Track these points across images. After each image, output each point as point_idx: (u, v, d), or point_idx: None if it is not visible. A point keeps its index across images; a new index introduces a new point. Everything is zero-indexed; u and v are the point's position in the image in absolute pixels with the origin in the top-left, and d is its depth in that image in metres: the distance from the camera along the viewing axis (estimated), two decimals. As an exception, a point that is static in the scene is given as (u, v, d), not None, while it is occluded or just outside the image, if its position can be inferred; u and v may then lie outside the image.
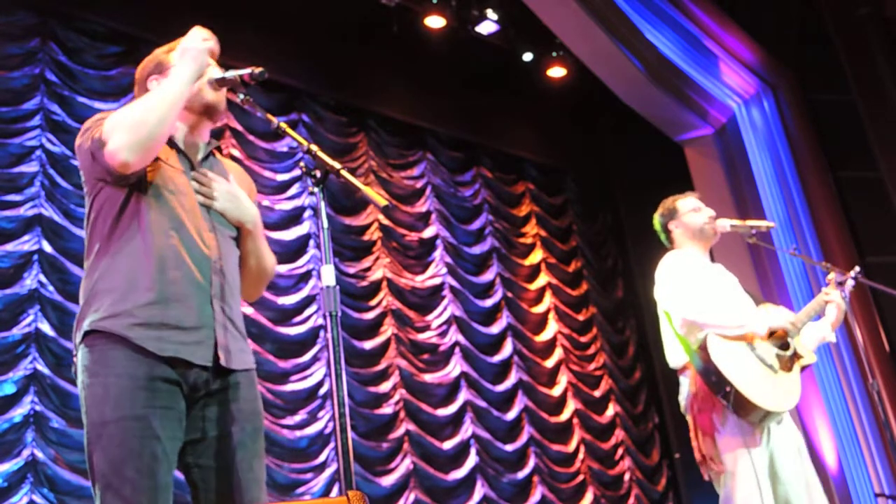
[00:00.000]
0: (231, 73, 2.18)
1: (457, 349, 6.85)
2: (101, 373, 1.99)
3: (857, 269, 3.76)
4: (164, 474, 1.95)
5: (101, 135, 2.06)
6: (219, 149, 2.37)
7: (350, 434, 1.85)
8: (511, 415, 6.95)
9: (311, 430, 5.81)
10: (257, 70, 2.10)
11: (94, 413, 1.98)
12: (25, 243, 5.08)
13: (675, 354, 3.44)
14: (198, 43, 2.18)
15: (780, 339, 3.41)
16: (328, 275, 1.92)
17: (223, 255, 2.14)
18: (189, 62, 2.14)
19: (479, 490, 6.47)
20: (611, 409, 7.60)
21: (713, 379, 3.21)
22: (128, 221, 2.07)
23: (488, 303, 7.26)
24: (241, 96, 2.18)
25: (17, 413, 4.74)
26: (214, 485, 2.04)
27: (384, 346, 6.47)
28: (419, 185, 7.21)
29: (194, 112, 2.23)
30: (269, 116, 2.09)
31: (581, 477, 7.09)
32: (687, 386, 3.40)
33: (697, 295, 3.32)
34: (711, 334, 3.28)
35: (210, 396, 2.07)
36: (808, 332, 3.54)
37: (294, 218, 6.29)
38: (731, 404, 3.18)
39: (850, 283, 3.59)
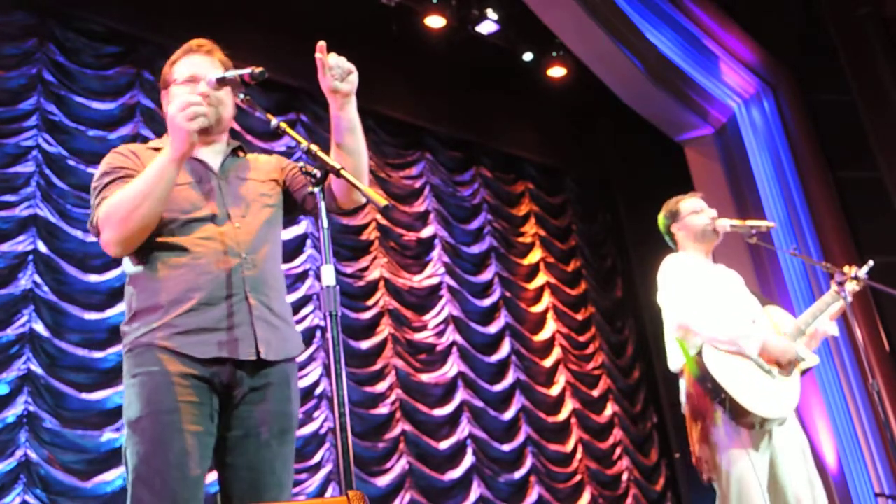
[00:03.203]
0: (231, 73, 2.18)
1: (454, 349, 6.84)
2: (138, 373, 2.08)
3: (871, 263, 3.67)
4: (195, 467, 2.00)
5: (96, 222, 2.15)
6: (241, 148, 2.38)
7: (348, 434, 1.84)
8: (508, 414, 6.93)
9: (307, 430, 5.78)
10: (257, 70, 2.09)
11: (130, 411, 2.07)
12: (20, 243, 5.05)
13: (675, 357, 3.43)
14: (183, 122, 2.03)
15: None
16: (328, 275, 1.91)
17: (253, 248, 2.18)
18: (175, 147, 2.05)
19: (476, 490, 6.45)
20: (609, 409, 7.58)
21: (709, 386, 3.22)
22: (153, 244, 2.14)
23: (486, 302, 7.24)
24: (241, 96, 2.19)
25: (11, 413, 4.72)
26: (237, 484, 2.10)
27: (381, 346, 6.45)
28: (417, 184, 7.19)
29: None
30: (269, 116, 2.08)
31: (579, 477, 7.08)
32: (684, 388, 3.40)
33: (694, 301, 3.31)
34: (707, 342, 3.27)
35: (244, 396, 2.11)
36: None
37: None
38: (728, 411, 3.18)
39: (852, 284, 3.54)
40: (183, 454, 1.99)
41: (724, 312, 3.31)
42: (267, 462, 2.10)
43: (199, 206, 2.18)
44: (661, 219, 3.65)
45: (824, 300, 3.50)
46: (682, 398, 3.41)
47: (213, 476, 2.16)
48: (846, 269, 3.60)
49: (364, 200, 2.25)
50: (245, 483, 2.09)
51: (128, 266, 2.21)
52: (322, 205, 1.98)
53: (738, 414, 3.18)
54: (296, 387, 2.23)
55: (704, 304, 3.30)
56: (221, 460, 2.11)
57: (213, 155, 2.28)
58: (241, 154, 2.37)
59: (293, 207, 2.39)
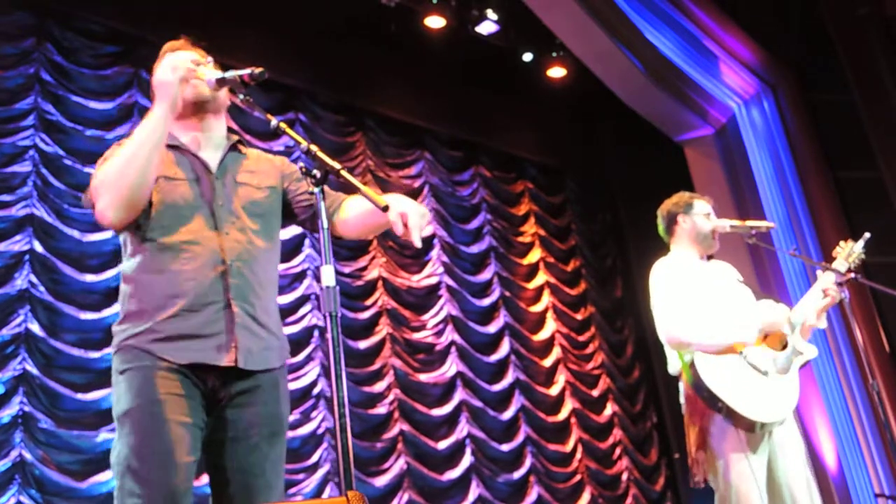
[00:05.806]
0: (231, 74, 2.16)
1: (453, 349, 6.83)
2: (125, 369, 2.08)
3: (867, 235, 3.64)
4: (184, 455, 2.00)
5: (90, 195, 2.15)
6: (242, 142, 2.35)
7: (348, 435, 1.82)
8: (507, 414, 6.92)
9: (304, 430, 5.78)
10: (257, 70, 2.08)
11: (119, 407, 2.07)
12: (17, 243, 5.05)
13: (673, 360, 3.42)
14: (167, 76, 2.15)
15: (777, 339, 3.37)
16: (328, 275, 1.89)
17: (243, 254, 2.16)
18: (161, 101, 2.14)
19: (475, 490, 6.45)
20: (609, 409, 7.58)
21: (705, 395, 3.21)
22: (144, 244, 2.14)
23: (486, 302, 7.23)
24: (241, 96, 2.16)
25: (6, 413, 4.72)
26: (228, 487, 2.10)
27: (379, 346, 6.44)
28: (417, 184, 7.18)
29: (184, 116, 2.23)
30: (269, 116, 2.06)
31: (578, 477, 7.07)
32: (683, 390, 3.39)
33: (683, 311, 3.28)
34: (698, 353, 3.26)
35: (231, 399, 2.10)
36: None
37: (290, 217, 6.26)
38: (726, 418, 3.18)
39: (854, 261, 3.55)
40: (171, 443, 1.99)
41: (713, 319, 3.28)
42: (257, 465, 2.10)
43: (193, 205, 2.16)
44: (671, 206, 3.59)
45: (818, 290, 3.47)
46: (682, 399, 3.40)
47: (205, 478, 2.16)
48: (841, 244, 3.60)
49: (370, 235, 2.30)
50: (235, 486, 2.09)
51: (123, 265, 2.21)
52: (322, 205, 1.96)
53: (737, 420, 3.17)
54: (286, 388, 2.22)
55: (692, 316, 3.27)
56: (213, 462, 2.11)
57: (212, 151, 2.26)
58: (241, 150, 2.34)
59: (289, 216, 2.38)
